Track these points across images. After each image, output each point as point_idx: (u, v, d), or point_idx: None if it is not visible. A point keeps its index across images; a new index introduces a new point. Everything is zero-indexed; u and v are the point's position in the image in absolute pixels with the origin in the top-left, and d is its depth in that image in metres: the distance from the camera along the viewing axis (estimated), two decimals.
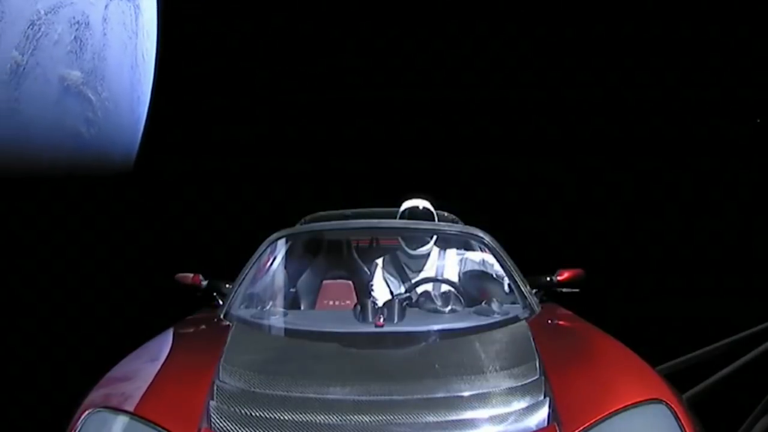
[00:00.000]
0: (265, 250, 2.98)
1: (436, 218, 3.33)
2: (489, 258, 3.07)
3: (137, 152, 8.29)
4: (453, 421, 1.78)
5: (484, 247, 3.06)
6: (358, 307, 2.57)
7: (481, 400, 1.84)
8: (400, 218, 3.29)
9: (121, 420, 1.78)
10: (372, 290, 3.17)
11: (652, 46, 9.10)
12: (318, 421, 1.78)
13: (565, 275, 3.00)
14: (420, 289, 3.05)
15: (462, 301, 2.91)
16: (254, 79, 9.01)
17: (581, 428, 1.73)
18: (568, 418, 1.76)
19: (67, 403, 1.92)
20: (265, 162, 8.89)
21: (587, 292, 3.08)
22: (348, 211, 4.05)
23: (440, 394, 1.86)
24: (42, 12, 5.97)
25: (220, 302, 2.89)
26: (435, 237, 3.18)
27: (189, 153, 8.55)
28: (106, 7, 7.26)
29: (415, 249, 3.13)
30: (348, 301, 3.15)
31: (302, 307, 3.32)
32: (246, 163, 8.88)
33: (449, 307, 2.67)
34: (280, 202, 7.61)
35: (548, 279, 3.00)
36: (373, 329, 2.40)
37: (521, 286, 2.80)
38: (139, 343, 2.35)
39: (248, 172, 8.82)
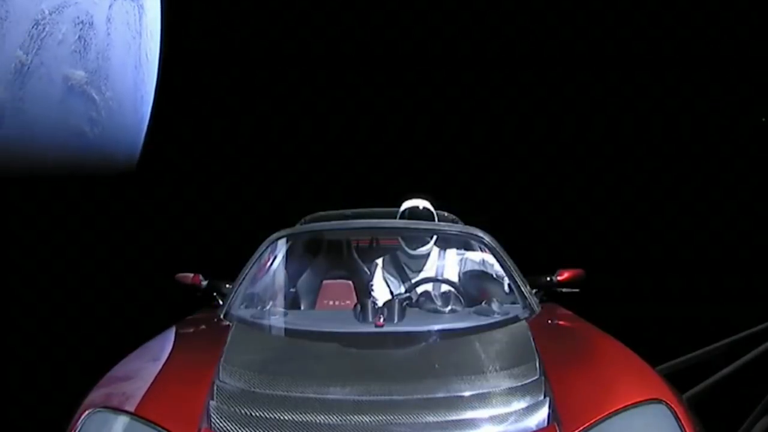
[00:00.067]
0: (265, 250, 2.97)
1: (436, 218, 3.33)
2: (489, 258, 3.06)
3: (140, 152, 8.30)
4: (453, 421, 1.77)
5: (484, 247, 3.06)
6: (358, 307, 2.57)
7: (481, 400, 1.84)
8: (400, 218, 3.29)
9: (121, 420, 1.78)
10: (372, 290, 3.16)
11: (653, 46, 9.10)
12: (318, 421, 1.77)
13: (565, 275, 2.99)
14: (420, 289, 3.05)
15: (462, 301, 2.91)
16: (256, 79, 9.02)
17: (581, 428, 1.73)
18: (568, 418, 1.76)
19: (67, 403, 1.92)
20: (265, 162, 8.91)
21: (587, 292, 3.08)
22: (348, 211, 4.04)
23: (440, 394, 1.86)
24: (46, 12, 5.99)
25: (220, 302, 2.89)
26: (435, 237, 3.17)
27: (191, 153, 8.56)
28: (110, 7, 7.29)
29: (415, 249, 3.13)
30: (348, 301, 3.14)
31: (302, 307, 3.31)
32: (246, 163, 8.89)
33: (449, 307, 2.67)
34: (280, 202, 7.62)
35: (548, 279, 2.99)
36: (373, 329, 2.39)
37: (521, 286, 2.79)
38: (139, 343, 2.35)
39: (248, 172, 8.84)
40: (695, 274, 7.73)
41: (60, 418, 1.85)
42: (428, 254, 3.19)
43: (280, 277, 3.13)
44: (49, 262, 6.30)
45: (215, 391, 1.89)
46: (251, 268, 2.88)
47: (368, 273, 3.37)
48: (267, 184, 8.69)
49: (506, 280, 2.90)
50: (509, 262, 2.90)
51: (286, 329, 2.52)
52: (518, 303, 2.73)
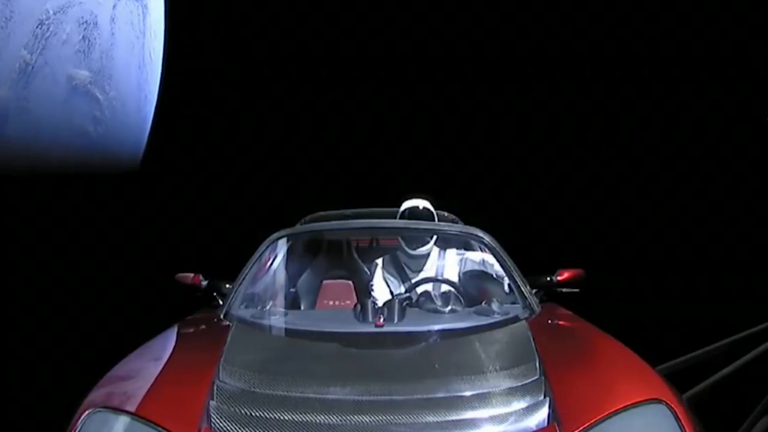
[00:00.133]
0: (265, 250, 2.97)
1: (436, 218, 3.33)
2: (489, 258, 3.06)
3: (144, 151, 8.32)
4: (453, 421, 1.77)
5: (484, 247, 3.06)
6: (358, 307, 2.57)
7: (481, 400, 1.84)
8: (400, 218, 3.29)
9: (121, 420, 1.78)
10: (372, 290, 3.16)
11: (653, 45, 9.10)
12: (318, 421, 1.77)
13: (565, 275, 3.00)
14: (420, 289, 3.05)
15: (462, 301, 2.91)
16: (258, 79, 9.03)
17: (581, 428, 1.73)
18: (568, 418, 1.76)
19: (67, 403, 1.92)
20: (265, 162, 8.91)
21: (587, 292, 3.08)
22: (348, 211, 4.04)
23: (440, 394, 1.86)
24: (51, 12, 6.01)
25: (220, 302, 2.89)
26: (435, 237, 3.17)
27: (194, 153, 8.57)
28: (114, 7, 7.32)
29: (415, 249, 3.13)
30: (348, 301, 3.14)
31: (302, 307, 3.31)
32: (246, 163, 8.89)
33: (449, 307, 2.67)
34: (280, 202, 7.62)
35: (548, 279, 2.99)
36: (373, 329, 2.39)
37: (521, 286, 2.79)
38: (139, 343, 2.35)
39: (248, 172, 8.84)
40: (695, 274, 7.73)
41: (60, 418, 1.85)
42: (428, 254, 3.19)
43: (280, 277, 3.13)
44: (49, 262, 6.30)
45: (215, 391, 1.89)
46: (251, 268, 2.88)
47: (368, 273, 3.37)
48: (267, 184, 8.69)
49: (506, 280, 2.90)
50: (509, 262, 2.90)
51: (286, 329, 2.52)
52: (518, 303, 2.73)
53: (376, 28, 9.14)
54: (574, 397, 1.83)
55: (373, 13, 9.07)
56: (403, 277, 3.19)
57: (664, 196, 9.16)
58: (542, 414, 1.81)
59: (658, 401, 1.79)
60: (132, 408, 1.80)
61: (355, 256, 3.65)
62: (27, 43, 5.78)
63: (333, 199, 5.50)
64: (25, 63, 5.75)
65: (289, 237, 3.19)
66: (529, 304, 2.70)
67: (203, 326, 2.74)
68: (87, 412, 1.80)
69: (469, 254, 3.21)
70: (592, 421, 1.74)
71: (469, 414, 1.80)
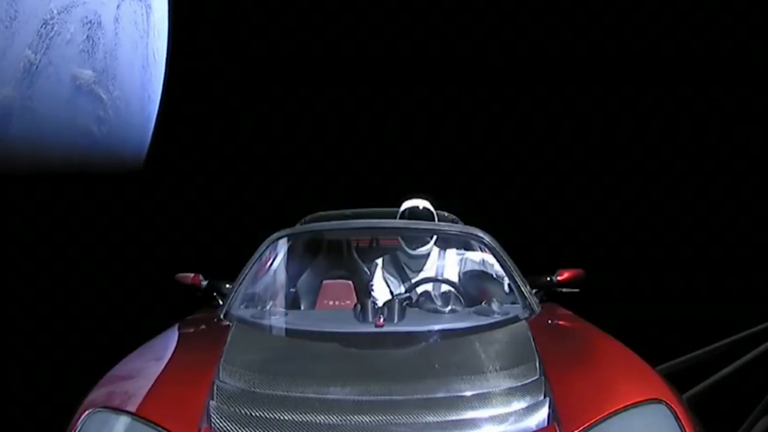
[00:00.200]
0: (265, 250, 2.98)
1: (436, 218, 3.33)
2: (489, 258, 3.06)
3: (147, 151, 8.34)
4: (453, 421, 1.78)
5: (484, 247, 3.06)
6: (358, 307, 2.57)
7: (481, 400, 1.84)
8: (400, 218, 3.29)
9: (121, 420, 1.78)
10: (372, 290, 3.16)
11: (653, 45, 9.10)
12: (318, 421, 1.77)
13: (565, 275, 3.00)
14: (420, 289, 3.05)
15: (462, 301, 2.91)
16: (261, 78, 9.04)
17: (581, 428, 1.73)
18: (568, 418, 1.76)
19: (67, 403, 1.92)
20: (265, 162, 8.91)
21: (587, 292, 3.08)
22: (348, 211, 4.04)
23: (440, 394, 1.86)
24: (55, 11, 6.03)
25: (220, 302, 2.89)
26: (435, 237, 3.17)
27: (197, 152, 8.59)
28: (117, 6, 7.36)
29: (415, 249, 3.13)
30: (348, 301, 3.14)
31: (302, 307, 3.31)
32: (246, 163, 8.89)
33: (449, 307, 2.67)
34: (280, 202, 7.62)
35: (548, 279, 2.99)
36: (373, 329, 2.39)
37: (521, 286, 2.79)
38: (139, 343, 2.35)
39: (248, 172, 8.84)
40: (695, 274, 7.73)
41: (60, 418, 1.85)
42: (428, 254, 3.19)
43: (280, 277, 3.13)
44: (49, 262, 6.30)
45: (215, 391, 1.89)
46: (251, 268, 2.88)
47: (368, 273, 3.38)
48: (267, 184, 8.69)
49: (506, 280, 2.90)
50: (509, 262, 2.91)
51: (286, 329, 2.52)
52: (518, 303, 2.73)
53: (377, 29, 9.15)
54: (574, 397, 1.83)
55: (374, 13, 9.08)
56: (403, 277, 3.19)
57: (664, 196, 9.15)
58: (542, 414, 1.81)
59: (658, 401, 1.79)
60: (132, 408, 1.80)
61: (355, 256, 3.66)
62: (31, 42, 5.81)
63: (333, 199, 5.50)
64: (29, 62, 5.78)
65: (289, 237, 3.19)
66: (529, 304, 2.70)
67: (203, 326, 2.74)
68: (87, 412, 1.80)
69: (469, 254, 3.21)
70: (592, 421, 1.74)
71: (469, 414, 1.80)
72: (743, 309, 6.40)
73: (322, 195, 7.70)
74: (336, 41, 9.17)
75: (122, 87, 7.58)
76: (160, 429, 1.75)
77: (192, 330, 2.71)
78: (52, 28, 6.06)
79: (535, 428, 1.78)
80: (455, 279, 3.14)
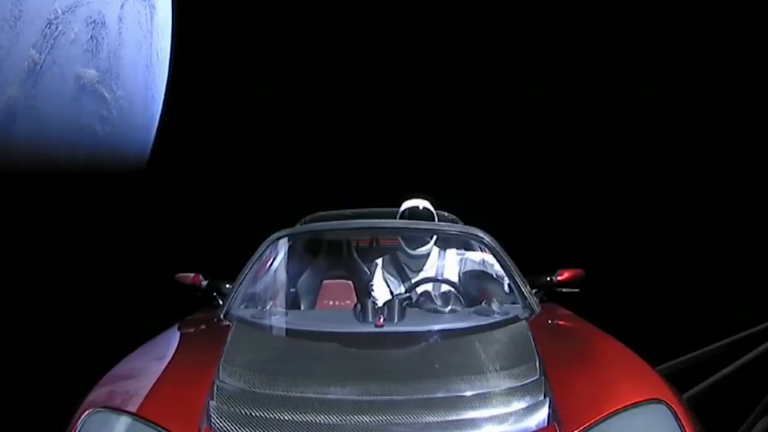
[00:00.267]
0: (265, 250, 2.98)
1: (436, 218, 3.33)
2: (489, 258, 3.06)
3: (150, 150, 8.36)
4: (453, 421, 1.78)
5: (484, 247, 3.06)
6: (358, 307, 2.57)
7: (481, 400, 1.84)
8: (400, 218, 3.29)
9: (121, 420, 1.78)
10: (372, 290, 3.16)
11: (652, 45, 9.10)
12: (318, 421, 1.78)
13: (565, 275, 3.00)
14: (420, 289, 3.05)
15: (462, 301, 2.91)
16: (261, 78, 9.05)
17: (581, 428, 1.73)
18: (568, 418, 1.76)
19: (67, 403, 1.92)
20: (265, 162, 8.91)
21: (587, 292, 3.08)
22: (348, 211, 4.05)
23: (440, 394, 1.86)
24: (59, 11, 6.05)
25: (220, 302, 2.89)
26: (435, 237, 3.17)
27: (199, 152, 8.60)
28: (121, 6, 7.38)
29: (415, 249, 3.13)
30: (348, 301, 3.14)
31: (302, 307, 3.32)
32: (246, 163, 8.89)
33: (449, 307, 2.67)
34: (280, 202, 7.62)
35: (548, 279, 3.00)
36: (373, 329, 2.39)
37: (521, 286, 2.80)
38: (139, 343, 2.35)
39: (248, 172, 8.84)
40: (695, 274, 7.72)
41: (60, 418, 1.85)
42: (428, 254, 3.19)
43: (280, 277, 3.13)
44: (49, 262, 6.30)
45: (215, 391, 1.89)
46: (251, 268, 2.88)
47: (368, 273, 3.38)
48: (267, 184, 8.69)
49: (506, 280, 2.90)
50: (509, 262, 2.91)
51: (286, 329, 2.53)
52: (518, 303, 2.73)
53: (377, 29, 9.15)
54: (574, 397, 1.83)
55: (374, 13, 9.08)
56: (403, 277, 3.19)
57: (664, 196, 9.15)
58: (542, 414, 1.81)
59: (658, 401, 1.79)
60: (132, 408, 1.80)
61: (355, 256, 3.66)
62: (36, 42, 5.84)
63: (333, 199, 5.50)
64: (33, 62, 5.80)
65: (289, 237, 3.19)
66: (529, 304, 2.70)
67: (203, 326, 2.74)
68: (87, 412, 1.81)
69: (469, 254, 3.21)
70: (592, 421, 1.74)
71: (469, 414, 1.80)
72: (743, 309, 6.39)
73: (322, 195, 7.70)
74: (337, 41, 9.18)
75: (126, 87, 7.60)
76: (160, 429, 1.75)
77: (192, 330, 2.71)
78: (57, 28, 6.08)
79: (535, 428, 1.78)
80: (455, 279, 3.14)
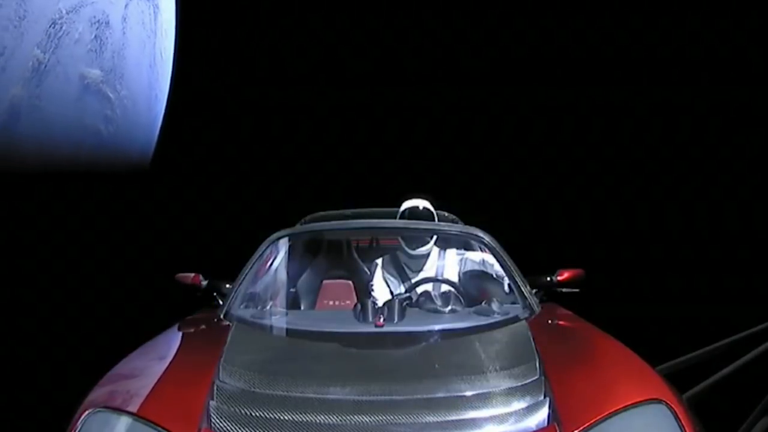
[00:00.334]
0: (265, 250, 2.98)
1: (436, 218, 3.33)
2: (489, 258, 3.06)
3: (154, 150, 8.37)
4: (453, 421, 1.78)
5: (484, 247, 3.06)
6: (358, 307, 2.57)
7: (481, 400, 1.84)
8: (400, 218, 3.29)
9: (121, 420, 1.78)
10: (372, 290, 3.16)
11: (652, 45, 9.10)
12: (318, 421, 1.77)
13: (565, 275, 3.00)
14: (420, 289, 3.05)
15: (462, 301, 2.91)
16: (262, 78, 9.06)
17: (581, 428, 1.73)
18: (568, 418, 1.76)
19: (67, 403, 1.92)
20: (265, 162, 8.91)
21: (587, 292, 3.08)
22: (348, 211, 4.05)
23: (440, 394, 1.86)
24: (64, 11, 6.07)
25: (220, 302, 2.89)
26: (435, 237, 3.17)
27: (202, 152, 8.61)
28: (125, 6, 7.40)
29: (415, 249, 3.13)
30: (348, 301, 3.14)
31: (302, 307, 3.32)
32: (246, 163, 8.90)
33: (449, 307, 2.67)
34: (280, 202, 7.62)
35: (548, 279, 3.00)
36: (373, 329, 2.39)
37: (521, 286, 2.79)
38: (139, 343, 2.35)
39: (248, 172, 8.84)
40: (695, 274, 7.72)
41: (60, 418, 1.85)
42: (428, 254, 3.19)
43: (280, 277, 3.13)
44: (50, 262, 6.30)
45: (215, 391, 1.89)
46: (251, 268, 2.88)
47: (368, 273, 3.38)
48: (267, 184, 8.70)
49: (506, 280, 2.90)
50: (509, 262, 2.91)
51: (286, 329, 2.53)
52: (518, 303, 2.73)
53: (377, 29, 9.15)
54: (574, 397, 1.83)
55: (374, 14, 9.08)
56: (403, 277, 3.19)
57: (664, 196, 9.15)
58: (542, 414, 1.81)
59: (658, 401, 1.79)
60: (132, 408, 1.80)
61: (355, 256, 3.66)
62: (40, 42, 5.85)
63: (333, 199, 5.50)
64: (37, 62, 5.82)
65: (289, 237, 3.19)
66: (529, 304, 2.70)
67: (203, 326, 2.74)
68: (87, 412, 1.81)
69: (469, 254, 3.21)
70: (592, 421, 1.74)
71: (469, 414, 1.80)
72: (743, 309, 6.39)
73: (322, 195, 7.70)
74: (338, 42, 9.18)
75: (130, 86, 7.62)
76: (160, 429, 1.75)
77: (192, 330, 2.71)
78: (61, 28, 6.10)
79: (535, 428, 1.78)
80: (455, 279, 3.14)
